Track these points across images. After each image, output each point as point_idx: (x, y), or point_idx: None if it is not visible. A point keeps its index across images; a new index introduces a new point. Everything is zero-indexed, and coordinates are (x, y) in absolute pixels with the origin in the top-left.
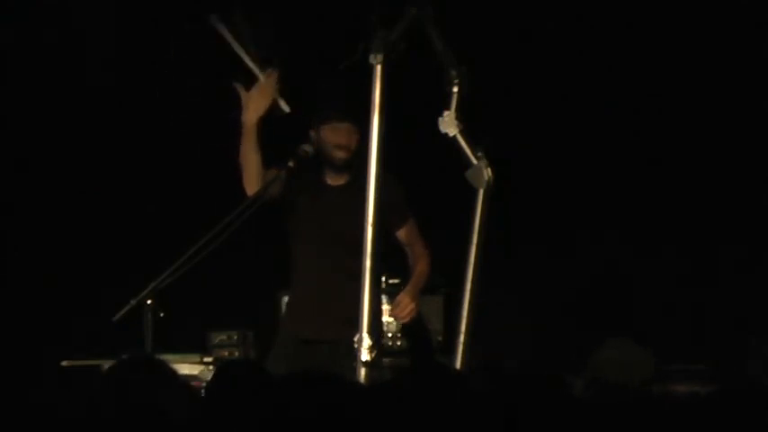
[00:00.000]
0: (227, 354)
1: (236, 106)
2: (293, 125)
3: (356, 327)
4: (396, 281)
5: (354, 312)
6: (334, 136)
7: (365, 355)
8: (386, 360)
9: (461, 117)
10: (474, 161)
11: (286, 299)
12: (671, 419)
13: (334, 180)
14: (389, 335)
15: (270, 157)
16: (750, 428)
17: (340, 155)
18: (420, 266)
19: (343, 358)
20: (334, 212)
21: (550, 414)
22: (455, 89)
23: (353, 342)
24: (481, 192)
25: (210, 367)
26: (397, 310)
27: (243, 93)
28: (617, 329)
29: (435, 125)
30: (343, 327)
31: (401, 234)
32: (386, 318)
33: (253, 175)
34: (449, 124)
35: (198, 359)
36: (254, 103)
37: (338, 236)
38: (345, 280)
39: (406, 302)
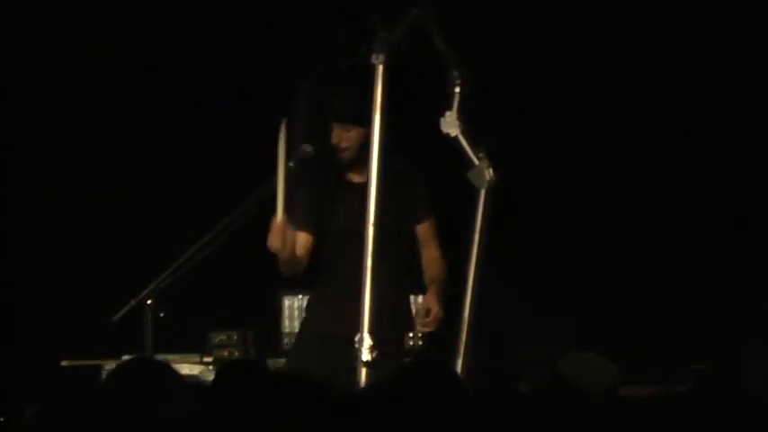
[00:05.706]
0: (227, 354)
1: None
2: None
3: (383, 325)
4: None
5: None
6: (332, 138)
7: (365, 355)
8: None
9: (463, 117)
10: (476, 161)
11: (286, 299)
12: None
13: (353, 177)
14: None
15: (269, 158)
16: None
17: (337, 155)
18: (438, 269)
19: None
20: (356, 210)
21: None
22: (457, 89)
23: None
24: (483, 192)
25: (210, 367)
26: (427, 320)
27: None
28: (619, 329)
29: (437, 125)
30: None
31: (422, 229)
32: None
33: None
34: (451, 125)
35: (198, 359)
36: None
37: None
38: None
39: (436, 311)
